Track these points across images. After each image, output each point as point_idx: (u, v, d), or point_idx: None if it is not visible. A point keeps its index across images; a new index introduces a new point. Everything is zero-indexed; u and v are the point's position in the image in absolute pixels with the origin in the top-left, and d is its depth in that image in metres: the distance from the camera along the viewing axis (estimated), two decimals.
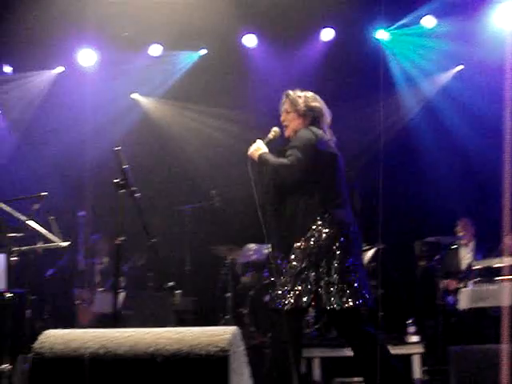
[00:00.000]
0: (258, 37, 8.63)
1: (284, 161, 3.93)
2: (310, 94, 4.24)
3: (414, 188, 8.42)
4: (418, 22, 8.22)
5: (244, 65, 8.63)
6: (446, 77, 8.73)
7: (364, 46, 8.34)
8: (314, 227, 3.90)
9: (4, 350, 4.59)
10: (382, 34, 8.41)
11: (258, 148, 4.07)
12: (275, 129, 4.20)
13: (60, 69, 8.85)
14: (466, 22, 7.82)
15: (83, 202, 8.22)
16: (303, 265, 3.84)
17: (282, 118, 4.20)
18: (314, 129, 4.10)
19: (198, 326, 3.55)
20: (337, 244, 3.87)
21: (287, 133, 4.17)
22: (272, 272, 4.20)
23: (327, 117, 4.26)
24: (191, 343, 2.20)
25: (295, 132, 4.12)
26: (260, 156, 4.02)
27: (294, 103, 4.16)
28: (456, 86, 8.58)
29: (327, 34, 8.61)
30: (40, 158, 8.57)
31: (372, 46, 8.36)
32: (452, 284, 7.20)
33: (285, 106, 4.20)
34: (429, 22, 8.16)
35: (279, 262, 4.06)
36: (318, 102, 4.23)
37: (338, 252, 3.84)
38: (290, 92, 4.22)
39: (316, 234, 3.87)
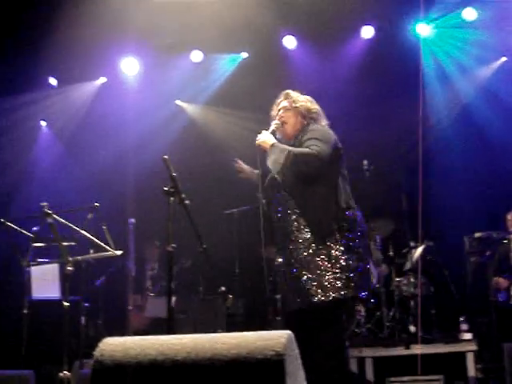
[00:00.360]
0: (298, 38, 8.63)
1: (308, 150, 3.96)
2: (308, 97, 4.36)
3: (463, 184, 8.31)
4: (459, 15, 8.11)
5: (285, 67, 8.64)
6: (488, 70, 8.59)
7: (404, 43, 8.27)
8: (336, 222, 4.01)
9: (62, 358, 4.69)
10: (421, 29, 8.30)
11: (268, 138, 4.10)
12: (277, 121, 4.25)
13: (103, 79, 8.99)
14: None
15: (132, 210, 8.32)
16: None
17: (280, 114, 4.25)
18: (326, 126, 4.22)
19: (248, 329, 3.64)
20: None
21: (286, 130, 4.22)
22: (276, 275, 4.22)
23: (324, 120, 4.30)
24: (248, 348, 2.22)
25: (295, 130, 4.20)
26: (274, 145, 4.05)
27: (295, 102, 4.26)
28: (499, 79, 8.45)
29: (367, 32, 8.56)
30: (87, 168, 8.71)
31: (412, 41, 8.28)
32: (503, 282, 7.07)
33: (284, 103, 4.28)
34: (470, 14, 8.05)
35: (283, 269, 4.08)
36: (316, 105, 4.34)
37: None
38: (291, 91, 4.34)
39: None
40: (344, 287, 3.87)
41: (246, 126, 8.43)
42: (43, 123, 9.32)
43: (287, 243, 4.04)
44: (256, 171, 4.23)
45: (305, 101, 4.29)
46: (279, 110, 4.27)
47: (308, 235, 3.97)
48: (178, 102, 9.26)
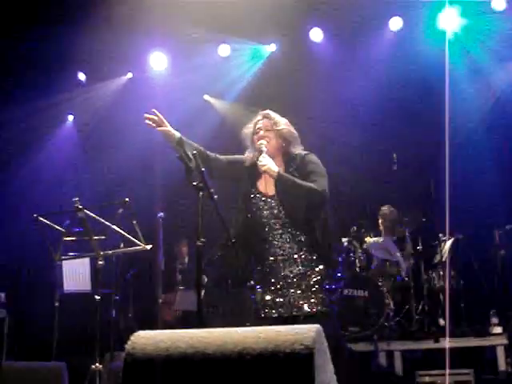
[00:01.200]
0: (324, 30, 8.57)
1: (314, 186, 3.92)
2: (286, 120, 4.24)
3: (494, 176, 8.23)
4: (489, 5, 8.00)
5: (312, 60, 8.61)
6: None
7: (432, 35, 8.19)
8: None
9: (93, 350, 4.76)
10: (449, 20, 8.18)
11: (273, 165, 3.99)
12: (263, 142, 4.10)
13: (130, 75, 9.06)
14: None
15: (161, 204, 8.38)
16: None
17: (262, 134, 4.13)
18: None
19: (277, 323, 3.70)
20: None
21: (268, 150, 4.07)
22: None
23: (300, 145, 4.21)
24: (277, 342, 2.23)
25: (273, 151, 4.09)
26: (281, 175, 3.96)
27: (276, 123, 4.15)
28: None
29: (395, 24, 8.43)
30: (115, 163, 8.78)
31: (440, 34, 8.20)
32: None
33: (265, 123, 4.17)
34: (499, 4, 7.94)
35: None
36: (293, 129, 4.23)
37: None
38: (270, 112, 4.22)
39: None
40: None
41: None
42: (70, 118, 9.42)
43: (271, 254, 4.02)
44: (177, 135, 4.11)
45: (286, 123, 4.19)
46: (258, 130, 4.16)
47: (308, 256, 3.98)
48: (206, 96, 9.28)
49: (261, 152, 4.04)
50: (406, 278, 7.65)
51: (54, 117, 9.01)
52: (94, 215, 4.52)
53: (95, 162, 8.81)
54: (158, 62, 8.83)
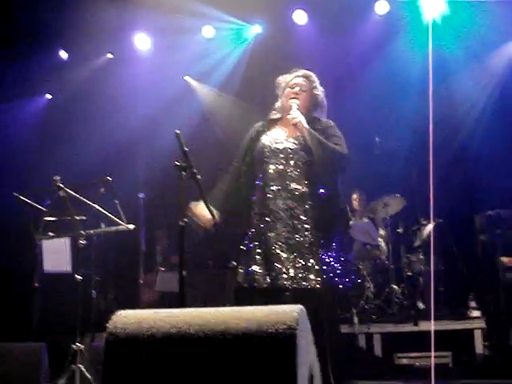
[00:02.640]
0: (308, 13, 8.43)
1: (341, 148, 3.97)
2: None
3: (474, 161, 8.28)
4: None
5: (296, 43, 8.57)
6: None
7: (418, 21, 8.16)
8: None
9: (73, 330, 4.75)
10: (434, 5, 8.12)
11: (304, 120, 4.02)
12: (295, 101, 4.12)
13: (112, 54, 8.96)
14: None
15: (143, 185, 8.34)
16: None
17: (296, 91, 4.15)
18: None
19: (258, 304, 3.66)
20: None
21: (298, 107, 4.11)
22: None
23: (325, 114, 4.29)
24: (259, 321, 2.23)
25: (306, 112, 4.12)
26: (310, 131, 3.98)
27: (315, 87, 4.21)
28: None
29: (382, 7, 8.24)
30: (96, 143, 8.72)
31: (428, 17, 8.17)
32: (509, 261, 7.07)
33: (303, 83, 4.18)
34: None
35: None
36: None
37: None
38: (313, 74, 4.25)
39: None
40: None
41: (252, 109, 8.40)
42: (49, 96, 9.34)
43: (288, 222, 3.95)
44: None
45: (322, 91, 4.24)
46: (294, 85, 4.17)
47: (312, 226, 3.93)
48: (187, 78, 9.23)
49: (291, 107, 4.05)
50: (386, 262, 7.71)
51: (32, 91, 8.91)
52: (75, 194, 4.49)
53: (76, 141, 8.71)
54: (141, 42, 8.74)
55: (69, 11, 7.59)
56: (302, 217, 3.91)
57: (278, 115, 4.24)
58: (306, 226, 3.89)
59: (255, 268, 3.89)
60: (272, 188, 3.97)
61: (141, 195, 7.28)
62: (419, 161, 7.55)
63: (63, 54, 8.87)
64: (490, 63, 8.45)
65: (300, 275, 3.80)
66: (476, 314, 6.83)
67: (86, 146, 8.58)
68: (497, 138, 8.26)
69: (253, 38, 8.75)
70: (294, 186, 3.95)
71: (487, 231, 7.32)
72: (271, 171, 4.00)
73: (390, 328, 6.89)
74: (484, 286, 7.32)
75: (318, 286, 3.78)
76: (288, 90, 4.18)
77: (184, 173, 3.55)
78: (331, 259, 3.87)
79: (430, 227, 7.58)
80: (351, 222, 7.95)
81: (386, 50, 8.37)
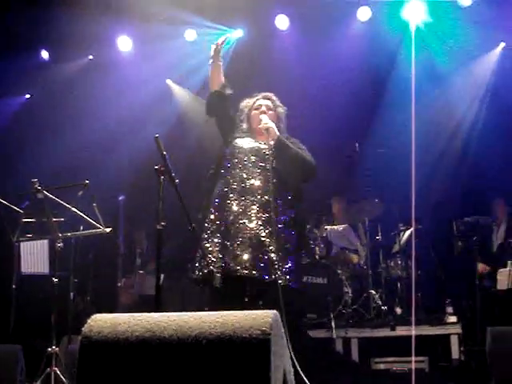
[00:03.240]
0: (290, 18, 8.44)
1: (307, 156, 4.09)
2: None
3: (453, 168, 8.35)
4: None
5: (277, 48, 8.59)
6: (493, 56, 8.50)
7: (400, 27, 8.23)
8: None
9: (51, 334, 4.73)
10: (414, 11, 8.14)
11: (274, 127, 4.19)
12: (266, 116, 4.32)
13: (94, 56, 8.94)
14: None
15: (123, 188, 8.31)
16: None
17: (263, 110, 4.35)
18: None
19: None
20: None
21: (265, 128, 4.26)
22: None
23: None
24: (234, 326, 2.25)
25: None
26: (280, 138, 4.13)
27: (277, 106, 4.43)
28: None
29: (364, 14, 8.25)
30: (76, 145, 8.70)
31: (406, 26, 8.23)
32: (483, 268, 7.14)
33: (267, 103, 4.40)
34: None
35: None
36: None
37: None
38: (272, 95, 4.48)
39: None
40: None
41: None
42: (27, 96, 9.30)
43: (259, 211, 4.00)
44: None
45: (285, 109, 4.45)
46: (259, 106, 4.36)
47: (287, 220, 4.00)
48: (168, 81, 9.23)
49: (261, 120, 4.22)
50: (365, 267, 7.75)
51: (11, 90, 8.87)
52: (53, 197, 4.48)
53: (55, 142, 8.67)
54: (122, 44, 8.72)
55: (52, 13, 7.57)
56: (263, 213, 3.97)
57: (247, 134, 4.38)
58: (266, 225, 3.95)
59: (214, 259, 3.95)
60: (235, 184, 4.06)
61: (120, 197, 7.26)
62: (399, 166, 7.62)
63: (44, 54, 8.82)
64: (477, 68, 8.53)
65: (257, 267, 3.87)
66: (452, 319, 6.89)
67: (65, 147, 8.56)
68: (481, 143, 8.36)
69: (234, 42, 8.77)
70: (257, 183, 4.03)
71: (464, 237, 7.38)
72: (239, 170, 4.08)
73: (368, 333, 6.92)
74: (461, 292, 7.39)
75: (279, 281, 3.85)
76: (254, 111, 4.37)
77: (162, 177, 3.56)
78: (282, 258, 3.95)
79: (408, 233, 7.65)
80: (329, 227, 8.01)
81: (369, 55, 8.41)
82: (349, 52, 8.39)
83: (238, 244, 3.92)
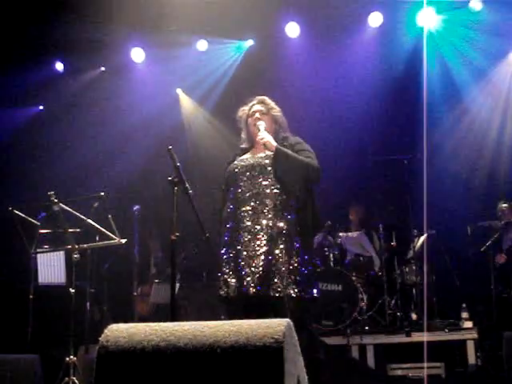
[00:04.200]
0: (301, 25, 8.46)
1: (312, 161, 4.06)
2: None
3: (466, 173, 8.34)
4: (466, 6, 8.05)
5: (289, 56, 8.62)
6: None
7: (411, 32, 8.23)
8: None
9: (67, 342, 4.77)
10: (427, 18, 8.14)
11: (272, 139, 4.15)
12: (262, 122, 4.25)
13: (105, 67, 9.03)
14: None
15: (137, 197, 8.37)
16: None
17: (257, 117, 4.28)
18: None
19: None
20: None
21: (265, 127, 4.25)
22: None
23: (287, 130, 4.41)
24: (248, 335, 2.28)
25: (272, 134, 4.22)
26: (279, 148, 4.09)
27: (271, 108, 4.35)
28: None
29: (375, 20, 8.25)
30: (91, 153, 8.78)
31: (418, 31, 8.23)
32: (501, 258, 7.19)
33: (260, 108, 4.33)
34: (476, 4, 7.96)
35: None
36: None
37: None
38: (266, 98, 4.40)
39: None
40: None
41: None
42: (41, 107, 9.40)
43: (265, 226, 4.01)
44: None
45: (279, 110, 4.39)
46: (253, 113, 4.31)
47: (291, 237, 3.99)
48: (178, 90, 9.30)
49: (258, 130, 4.19)
50: (380, 273, 7.75)
51: (25, 101, 8.98)
52: (69, 209, 4.53)
53: (69, 154, 8.76)
54: (135, 54, 8.81)
55: (65, 24, 7.66)
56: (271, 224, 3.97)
57: (247, 145, 4.37)
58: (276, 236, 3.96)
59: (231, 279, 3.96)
60: (243, 202, 4.03)
61: (135, 208, 7.31)
62: (413, 173, 7.64)
63: (59, 66, 8.92)
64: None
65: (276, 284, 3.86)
66: (468, 324, 6.87)
67: (79, 157, 8.64)
68: (491, 150, 8.35)
69: (246, 51, 8.83)
70: (267, 201, 4.01)
71: (479, 242, 7.36)
72: (243, 188, 4.06)
73: (383, 339, 6.92)
74: (476, 297, 7.37)
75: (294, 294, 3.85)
76: (249, 119, 4.33)
77: (176, 188, 3.60)
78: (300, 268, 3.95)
79: (422, 239, 7.64)
80: (343, 234, 8.02)
81: (379, 61, 8.43)
82: (362, 58, 8.42)
83: (249, 263, 3.93)
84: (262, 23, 8.27)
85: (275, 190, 4.03)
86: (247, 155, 4.29)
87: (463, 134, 8.51)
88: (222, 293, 3.98)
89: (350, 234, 8.14)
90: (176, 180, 3.59)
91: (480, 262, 7.26)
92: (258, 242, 3.93)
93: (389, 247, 7.88)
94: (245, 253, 3.93)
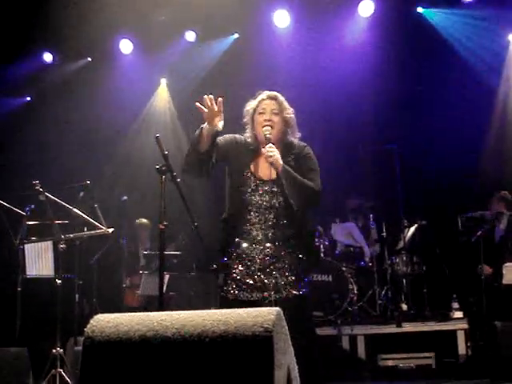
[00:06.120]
0: (291, 15, 8.41)
1: (314, 186, 3.86)
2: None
3: (457, 164, 8.31)
4: None
5: (277, 47, 8.57)
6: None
7: (407, 21, 8.19)
8: None
9: (56, 335, 4.73)
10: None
11: (279, 157, 3.84)
12: (268, 129, 3.90)
13: (93, 57, 8.98)
14: None
15: (125, 188, 8.32)
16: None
17: (268, 117, 3.94)
18: None
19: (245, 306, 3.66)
20: None
21: (273, 135, 3.91)
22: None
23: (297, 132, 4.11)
24: (237, 324, 2.24)
25: (278, 136, 3.95)
26: (285, 169, 3.84)
27: (284, 108, 3.99)
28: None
29: (366, 8, 8.18)
30: (77, 146, 8.73)
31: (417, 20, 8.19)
32: (487, 270, 7.04)
33: (272, 105, 3.98)
34: None
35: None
36: None
37: None
38: (279, 95, 4.03)
39: None
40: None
41: None
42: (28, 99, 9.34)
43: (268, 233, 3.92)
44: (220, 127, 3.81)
45: (292, 110, 4.04)
46: (264, 111, 3.98)
47: (287, 242, 3.90)
48: (162, 80, 9.25)
49: (267, 140, 3.86)
50: (370, 264, 7.75)
51: (14, 92, 8.92)
52: (54, 198, 4.48)
53: (54, 144, 8.69)
54: (123, 45, 8.75)
55: (54, 14, 7.60)
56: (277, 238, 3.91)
57: (253, 143, 4.03)
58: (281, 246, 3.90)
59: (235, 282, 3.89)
60: (250, 215, 3.91)
61: (123, 198, 7.26)
62: (405, 164, 7.63)
63: (47, 57, 8.84)
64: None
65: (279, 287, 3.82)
66: (459, 314, 6.88)
67: (66, 148, 8.61)
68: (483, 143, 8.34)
69: (234, 41, 8.79)
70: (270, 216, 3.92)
71: (469, 232, 7.35)
72: (253, 202, 3.92)
73: (374, 330, 6.92)
74: (466, 287, 7.37)
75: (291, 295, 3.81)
76: (258, 116, 3.98)
77: (164, 176, 3.54)
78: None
79: (413, 229, 7.64)
80: (334, 225, 8.00)
81: (370, 52, 8.39)
82: (351, 47, 8.39)
83: (252, 272, 3.88)
84: (250, 13, 8.22)
85: (279, 209, 3.88)
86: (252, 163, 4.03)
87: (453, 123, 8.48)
88: (222, 294, 3.90)
89: (340, 224, 8.12)
90: (164, 168, 3.53)
91: (471, 252, 7.24)
92: (256, 247, 3.88)
93: (379, 238, 7.86)
94: (246, 260, 3.88)
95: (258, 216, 3.89)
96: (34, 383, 5.20)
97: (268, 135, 3.87)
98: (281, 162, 3.83)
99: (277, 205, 3.88)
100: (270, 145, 3.84)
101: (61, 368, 4.59)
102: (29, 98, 9.34)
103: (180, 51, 8.75)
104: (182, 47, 8.75)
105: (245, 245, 3.87)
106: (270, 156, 3.80)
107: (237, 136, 4.07)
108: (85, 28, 7.96)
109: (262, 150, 3.88)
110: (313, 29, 8.41)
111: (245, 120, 4.07)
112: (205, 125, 3.77)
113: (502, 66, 8.41)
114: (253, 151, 4.02)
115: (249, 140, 4.04)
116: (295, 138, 4.07)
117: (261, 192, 3.92)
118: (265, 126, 3.91)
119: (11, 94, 9.00)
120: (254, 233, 3.88)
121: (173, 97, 9.25)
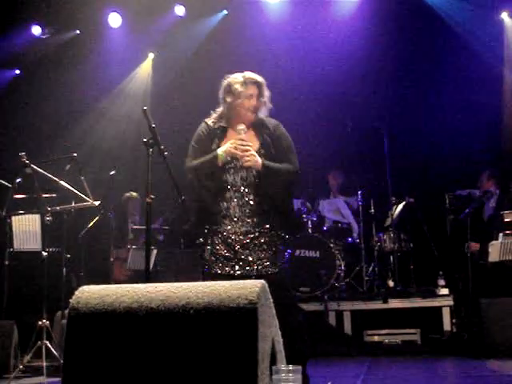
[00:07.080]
0: None
1: (291, 168, 3.90)
2: None
3: (445, 141, 8.32)
4: None
5: (266, 23, 8.51)
6: None
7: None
8: None
9: (42, 307, 4.73)
10: None
11: (258, 158, 3.84)
12: (244, 128, 3.90)
13: (84, 30, 8.90)
14: None
15: (113, 161, 8.29)
16: None
17: (251, 103, 3.92)
18: None
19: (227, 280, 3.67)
20: None
21: (248, 117, 3.94)
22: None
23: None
24: (221, 296, 2.25)
25: (252, 116, 3.96)
26: (265, 166, 3.85)
27: (263, 92, 3.97)
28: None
29: None
30: (66, 118, 8.69)
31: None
32: (474, 246, 7.06)
33: (256, 91, 3.95)
34: None
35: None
36: None
37: None
38: (263, 81, 3.99)
39: None
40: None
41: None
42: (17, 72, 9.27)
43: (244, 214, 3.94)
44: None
45: (267, 96, 4.01)
46: (250, 96, 3.94)
47: (268, 218, 3.92)
48: (150, 54, 9.17)
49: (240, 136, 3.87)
50: (357, 240, 7.78)
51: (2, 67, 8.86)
52: (41, 170, 4.45)
53: (43, 116, 8.64)
54: (112, 18, 8.67)
55: None
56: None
57: (224, 124, 4.01)
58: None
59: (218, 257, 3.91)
60: (228, 193, 3.92)
61: (111, 172, 7.21)
62: (392, 142, 7.63)
63: (36, 30, 8.75)
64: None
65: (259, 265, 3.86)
66: (444, 291, 6.93)
67: (54, 119, 8.56)
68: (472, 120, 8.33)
69: (223, 17, 8.73)
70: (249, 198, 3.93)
71: (457, 210, 7.37)
72: (229, 180, 3.91)
73: (360, 306, 6.97)
74: (453, 265, 7.41)
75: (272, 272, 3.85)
76: (245, 100, 3.94)
77: (151, 149, 3.53)
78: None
79: (401, 206, 7.66)
80: (322, 201, 8.02)
81: (362, 27, 8.35)
82: (344, 21, 8.35)
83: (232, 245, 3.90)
84: None
85: (257, 189, 3.89)
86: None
87: (444, 102, 8.47)
88: (206, 268, 3.92)
89: (328, 200, 8.13)
90: (151, 141, 3.52)
91: (458, 229, 7.26)
92: (236, 223, 3.89)
93: (367, 215, 7.88)
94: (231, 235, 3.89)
95: (235, 193, 3.90)
96: (21, 355, 5.22)
97: (244, 134, 3.87)
98: (260, 162, 3.84)
99: (252, 180, 3.90)
100: (252, 151, 3.83)
101: (47, 340, 4.60)
102: (18, 71, 9.24)
103: (169, 26, 8.67)
104: (171, 22, 8.66)
105: (225, 221, 3.90)
106: (248, 161, 3.81)
107: (202, 130, 4.03)
108: (74, 0, 7.88)
109: (242, 159, 3.83)
110: (302, 3, 8.35)
111: (223, 93, 3.99)
112: (224, 155, 3.81)
113: (497, 45, 8.37)
114: (222, 131, 4.00)
115: (212, 122, 4.02)
116: (265, 116, 4.05)
117: (236, 169, 3.91)
118: (241, 124, 3.91)
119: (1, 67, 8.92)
120: (232, 210, 3.90)
121: (157, 71, 9.17)
